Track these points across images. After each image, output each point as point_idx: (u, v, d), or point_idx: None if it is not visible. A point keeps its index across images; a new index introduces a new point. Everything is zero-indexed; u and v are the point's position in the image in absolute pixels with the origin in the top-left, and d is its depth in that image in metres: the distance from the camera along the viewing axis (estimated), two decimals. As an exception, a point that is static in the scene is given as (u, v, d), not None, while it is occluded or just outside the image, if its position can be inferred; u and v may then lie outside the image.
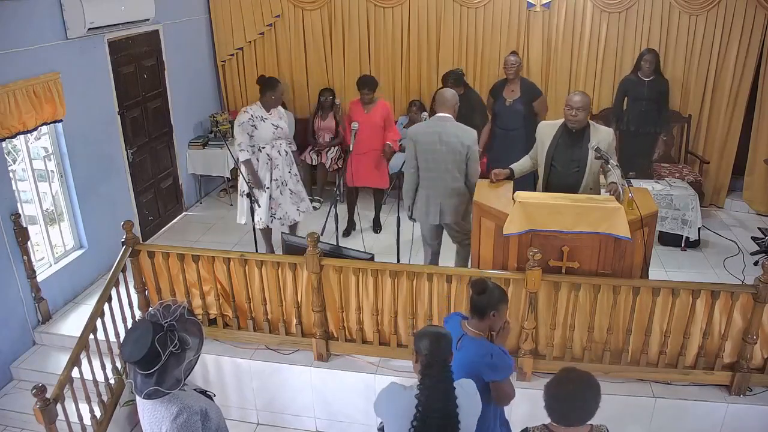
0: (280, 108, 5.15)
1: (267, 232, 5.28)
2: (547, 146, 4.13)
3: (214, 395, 2.56)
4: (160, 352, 2.21)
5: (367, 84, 5.54)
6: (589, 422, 2.23)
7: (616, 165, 3.75)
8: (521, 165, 4.35)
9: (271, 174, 5.01)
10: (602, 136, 3.98)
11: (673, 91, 6.34)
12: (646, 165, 6.08)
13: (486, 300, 2.73)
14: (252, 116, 4.90)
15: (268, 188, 5.01)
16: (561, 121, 4.12)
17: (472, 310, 2.78)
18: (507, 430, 3.06)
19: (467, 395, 2.45)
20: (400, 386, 2.52)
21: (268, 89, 4.93)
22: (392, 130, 5.69)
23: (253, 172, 4.94)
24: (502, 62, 5.91)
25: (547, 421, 2.26)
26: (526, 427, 2.32)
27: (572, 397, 2.19)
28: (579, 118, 3.95)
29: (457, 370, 2.78)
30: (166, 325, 2.26)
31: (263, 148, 4.96)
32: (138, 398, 2.39)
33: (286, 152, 5.12)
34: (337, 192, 5.53)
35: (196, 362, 2.32)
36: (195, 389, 2.49)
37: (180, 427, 2.26)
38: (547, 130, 4.18)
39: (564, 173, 4.09)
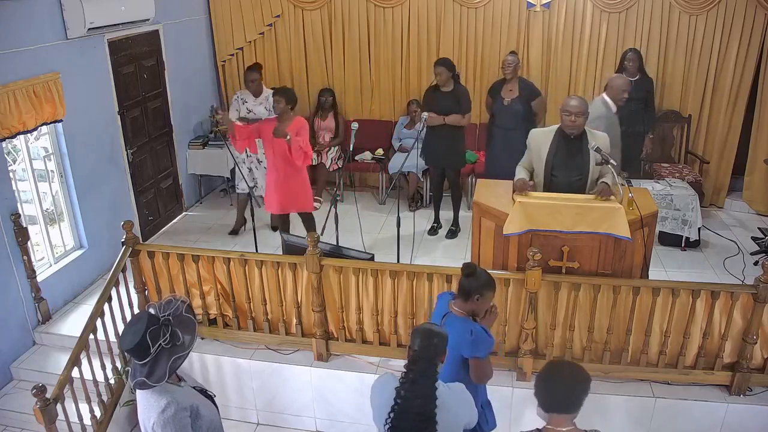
0: (267, 94, 5.78)
1: (243, 201, 5.95)
2: (544, 155, 3.97)
3: (215, 395, 2.57)
4: (149, 345, 2.24)
5: (278, 92, 4.99)
6: (575, 415, 2.23)
7: (616, 165, 3.73)
8: (526, 176, 4.07)
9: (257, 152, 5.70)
10: (600, 141, 3.87)
11: (673, 91, 6.35)
12: (637, 164, 6.09)
13: (472, 283, 2.82)
14: (238, 97, 5.91)
15: (261, 161, 5.64)
16: (554, 127, 3.98)
17: (458, 290, 2.88)
18: (490, 410, 3.10)
19: (454, 398, 2.45)
20: (391, 376, 2.54)
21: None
22: (303, 141, 4.86)
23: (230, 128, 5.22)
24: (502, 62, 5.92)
25: (541, 425, 2.26)
26: None
27: (561, 379, 2.23)
28: (578, 123, 3.81)
29: None
30: (162, 319, 2.29)
31: None
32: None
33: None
34: (337, 192, 5.53)
35: (184, 360, 2.34)
36: (195, 387, 2.50)
37: (167, 421, 2.28)
38: (541, 137, 4.01)
39: (565, 182, 3.93)
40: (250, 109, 5.82)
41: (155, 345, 2.24)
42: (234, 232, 6.10)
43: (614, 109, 4.76)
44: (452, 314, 2.88)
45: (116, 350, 4.03)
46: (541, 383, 2.25)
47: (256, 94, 5.83)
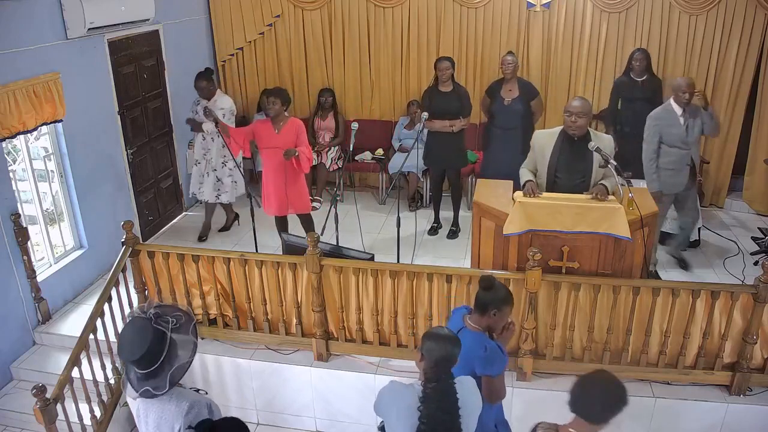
0: (218, 101, 5.58)
1: (209, 204, 5.99)
2: (548, 156, 3.95)
3: (206, 393, 2.59)
4: (163, 331, 2.28)
5: (272, 93, 4.90)
6: (598, 428, 2.20)
7: (616, 165, 3.73)
8: (532, 178, 4.01)
9: (205, 153, 5.73)
10: (604, 143, 3.86)
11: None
12: (640, 165, 6.06)
13: (490, 297, 2.75)
14: (196, 100, 5.76)
15: (198, 163, 5.79)
16: (558, 128, 3.97)
17: (475, 304, 2.82)
18: (505, 429, 3.06)
19: (468, 393, 2.46)
20: (401, 384, 2.52)
21: None
22: (305, 146, 4.89)
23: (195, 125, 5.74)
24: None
25: (560, 422, 2.25)
26: (540, 422, 2.31)
27: (604, 391, 2.20)
28: (579, 124, 3.80)
29: None
30: (152, 314, 2.33)
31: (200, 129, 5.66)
32: (138, 405, 2.42)
33: (223, 144, 5.47)
34: (337, 192, 5.53)
35: (196, 332, 2.42)
36: (190, 388, 2.52)
37: (196, 417, 2.31)
38: (545, 139, 4.00)
39: (568, 185, 3.93)
40: (197, 112, 5.69)
41: (169, 331, 2.29)
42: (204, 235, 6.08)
43: (679, 110, 4.73)
44: (466, 329, 2.80)
45: (116, 350, 4.03)
46: (583, 384, 2.21)
47: (207, 98, 5.62)
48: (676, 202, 5.10)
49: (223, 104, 5.60)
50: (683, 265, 5.26)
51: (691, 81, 4.76)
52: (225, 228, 6.18)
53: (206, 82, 5.60)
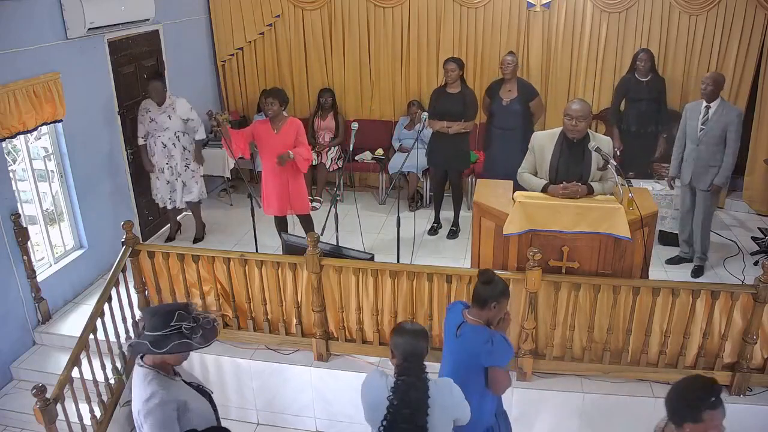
0: (176, 103, 5.46)
1: (173, 211, 5.91)
2: (549, 158, 3.92)
3: (212, 392, 2.58)
4: (181, 330, 2.34)
5: (270, 94, 4.92)
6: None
7: (616, 165, 3.72)
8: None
9: (168, 161, 5.55)
10: (602, 145, 3.83)
11: (673, 91, 6.34)
12: (647, 165, 6.08)
13: (490, 291, 2.78)
14: (142, 108, 5.50)
15: (163, 171, 5.59)
16: (558, 130, 3.94)
17: (474, 298, 2.83)
18: (505, 420, 3.08)
19: (442, 393, 2.46)
20: (380, 374, 2.55)
21: None
22: (304, 146, 4.95)
23: (144, 156, 5.60)
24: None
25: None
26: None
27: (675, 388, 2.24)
28: (579, 127, 3.76)
29: (456, 356, 2.80)
30: (194, 314, 2.44)
31: (159, 136, 5.47)
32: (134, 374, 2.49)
33: (184, 147, 5.56)
34: (337, 192, 5.52)
35: (185, 353, 2.42)
36: (191, 383, 2.52)
37: (149, 410, 2.30)
38: (545, 140, 3.96)
39: None
40: (153, 119, 5.45)
41: (182, 322, 2.35)
42: (171, 238, 6.05)
43: (703, 104, 4.84)
44: (467, 324, 2.82)
45: (116, 350, 4.03)
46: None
47: (159, 102, 5.42)
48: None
49: (186, 111, 5.49)
50: (696, 273, 5.20)
51: (710, 74, 4.83)
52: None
53: (161, 83, 5.44)
